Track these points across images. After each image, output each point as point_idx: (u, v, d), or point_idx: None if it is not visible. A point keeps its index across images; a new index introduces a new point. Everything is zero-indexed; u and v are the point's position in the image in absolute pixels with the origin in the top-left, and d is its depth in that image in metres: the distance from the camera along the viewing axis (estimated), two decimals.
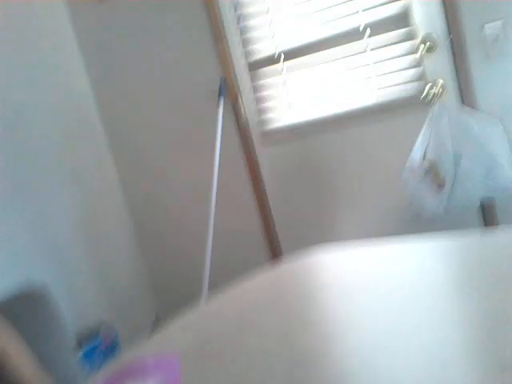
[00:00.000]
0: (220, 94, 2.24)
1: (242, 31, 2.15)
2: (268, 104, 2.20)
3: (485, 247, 1.04)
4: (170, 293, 2.70)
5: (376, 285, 1.00)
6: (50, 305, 1.17)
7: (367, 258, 1.16)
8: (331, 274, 1.17)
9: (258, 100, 2.21)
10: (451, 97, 1.87)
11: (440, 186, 1.83)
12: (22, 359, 0.97)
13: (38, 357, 0.95)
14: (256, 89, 2.20)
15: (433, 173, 1.84)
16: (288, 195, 2.29)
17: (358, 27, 1.93)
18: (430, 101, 1.88)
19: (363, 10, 1.91)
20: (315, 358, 0.79)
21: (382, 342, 0.79)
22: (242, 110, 2.25)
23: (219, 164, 2.24)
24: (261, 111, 2.22)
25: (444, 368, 0.67)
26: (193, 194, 2.48)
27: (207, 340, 0.96)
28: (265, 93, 2.19)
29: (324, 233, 2.24)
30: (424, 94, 1.89)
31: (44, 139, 2.35)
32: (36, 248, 2.23)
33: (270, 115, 2.21)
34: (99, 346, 2.20)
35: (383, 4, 1.88)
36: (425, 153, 1.86)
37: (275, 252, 2.36)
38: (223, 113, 2.24)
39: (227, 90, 2.24)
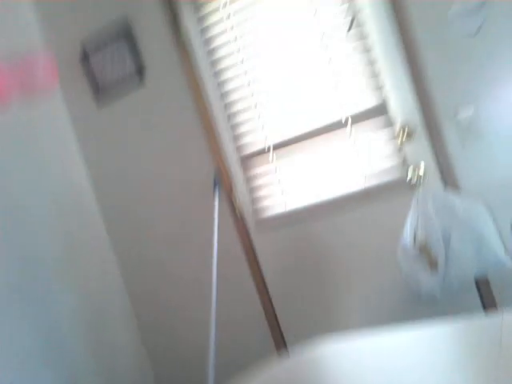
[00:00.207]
0: (215, 187, 2.34)
1: (233, 127, 2.29)
2: (261, 193, 2.29)
3: (482, 331, 1.07)
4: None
5: (377, 380, 1.02)
6: None
7: (369, 351, 1.18)
8: (333, 369, 1.19)
9: (252, 189, 2.31)
10: (434, 179, 1.96)
11: (433, 266, 1.87)
12: None
13: None
14: (249, 179, 2.31)
15: (425, 254, 1.90)
16: (287, 281, 2.32)
17: (341, 119, 2.06)
18: (414, 184, 1.97)
19: (344, 104, 2.05)
20: None
21: None
22: (237, 199, 2.34)
23: (217, 253, 2.30)
24: (255, 200, 2.31)
25: None
26: (193, 285, 2.51)
27: None
28: (257, 182, 2.29)
29: (325, 316, 2.26)
30: (408, 178, 1.98)
31: (47, 243, 2.41)
32: (40, 352, 2.23)
33: (263, 203, 2.30)
34: None
35: (362, 97, 2.01)
36: (415, 235, 1.93)
37: (278, 338, 2.36)
38: (219, 203, 2.32)
39: (221, 182, 2.34)
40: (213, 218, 2.31)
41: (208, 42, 2.26)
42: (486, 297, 1.95)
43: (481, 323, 1.14)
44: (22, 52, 2.39)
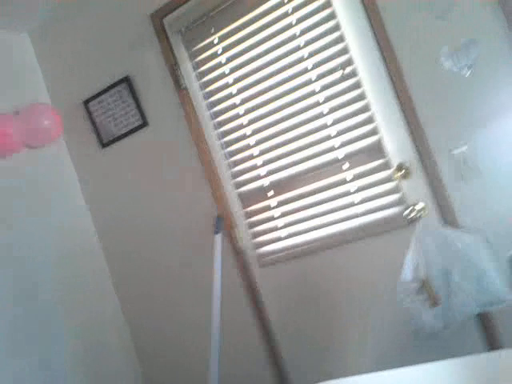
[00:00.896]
0: (217, 225, 2.37)
1: (232, 165, 2.35)
2: (261, 228, 2.32)
3: (481, 369, 1.07)
4: None
5: None
6: None
7: None
8: None
9: (251, 225, 2.34)
10: (433, 217, 1.98)
11: (435, 302, 1.87)
12: None
13: None
14: (248, 215, 2.34)
15: (426, 290, 1.89)
16: (288, 315, 2.32)
17: (338, 160, 2.10)
18: (413, 220, 1.99)
19: (339, 146, 2.10)
20: None
21: None
22: (238, 236, 2.37)
23: (219, 291, 2.30)
24: (255, 236, 2.34)
25: None
26: (194, 324, 2.51)
27: None
28: (257, 218, 2.32)
29: (326, 351, 2.23)
30: (406, 214, 2.00)
31: (49, 281, 2.44)
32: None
33: (263, 239, 2.32)
34: None
35: (358, 139, 2.07)
36: (415, 271, 1.93)
37: (281, 374, 2.34)
38: (221, 241, 2.35)
39: (223, 219, 2.38)
40: (214, 256, 2.33)
41: (205, 84, 2.35)
42: (488, 332, 1.93)
43: (480, 361, 1.14)
44: (28, 104, 2.50)
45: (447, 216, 1.96)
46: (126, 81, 2.52)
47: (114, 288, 2.74)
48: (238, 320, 2.41)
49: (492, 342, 1.94)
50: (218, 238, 2.35)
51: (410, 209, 2.00)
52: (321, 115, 2.11)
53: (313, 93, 2.11)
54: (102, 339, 2.60)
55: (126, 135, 2.58)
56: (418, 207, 2.00)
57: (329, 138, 2.11)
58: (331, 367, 2.23)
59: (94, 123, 2.65)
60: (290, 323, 2.32)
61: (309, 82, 2.12)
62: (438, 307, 1.86)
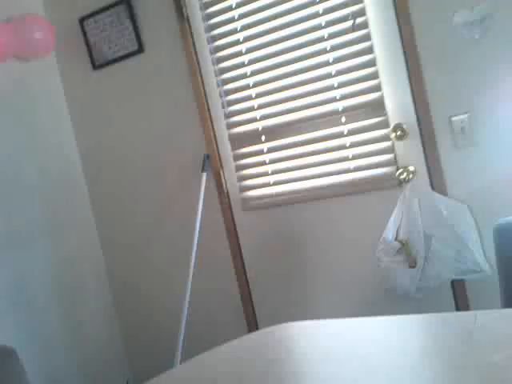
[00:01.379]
0: (204, 164, 2.33)
1: (226, 105, 2.28)
2: (249, 172, 2.29)
3: (448, 327, 1.09)
4: (142, 359, 2.66)
5: (339, 359, 1.03)
6: (16, 364, 1.16)
7: (334, 332, 1.20)
8: (298, 344, 1.20)
9: (240, 169, 2.30)
10: (423, 179, 1.98)
11: (412, 263, 1.89)
12: None
13: None
14: (238, 158, 2.30)
15: (405, 252, 1.91)
16: (264, 260, 2.33)
17: (336, 111, 2.06)
18: (403, 181, 1.98)
19: (341, 97, 2.05)
20: None
21: None
22: (225, 177, 2.34)
23: (200, 228, 2.30)
24: (242, 179, 2.31)
25: None
26: (172, 258, 2.51)
27: None
28: (246, 162, 2.29)
29: (300, 300, 2.27)
30: (396, 177, 1.99)
31: (26, 199, 2.40)
32: (10, 309, 2.21)
33: (250, 183, 2.29)
34: None
35: (359, 94, 2.02)
36: (397, 232, 1.94)
37: (250, 319, 2.38)
38: (207, 180, 2.33)
39: (211, 159, 2.34)
40: (199, 193, 2.31)
41: (209, 16, 2.25)
42: (460, 299, 1.98)
43: (455, 318, 1.16)
44: (21, 15, 2.37)
45: (437, 182, 1.96)
46: (126, 2, 2.39)
47: (94, 219, 2.71)
48: (216, 261, 2.41)
49: (462, 310, 1.98)
50: (204, 176, 2.32)
51: (401, 170, 1.99)
52: (326, 64, 2.05)
53: (321, 39, 2.04)
54: (78, 271, 2.58)
55: (119, 59, 2.48)
56: (409, 170, 1.98)
57: (330, 88, 2.06)
58: (300, 316, 2.26)
59: (87, 43, 2.53)
60: (266, 269, 2.33)
61: (318, 28, 2.04)
62: (414, 270, 1.88)
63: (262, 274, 2.34)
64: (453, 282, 1.98)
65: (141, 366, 2.68)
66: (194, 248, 2.28)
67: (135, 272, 2.64)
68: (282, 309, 2.31)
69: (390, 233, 1.93)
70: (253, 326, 2.38)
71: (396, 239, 1.92)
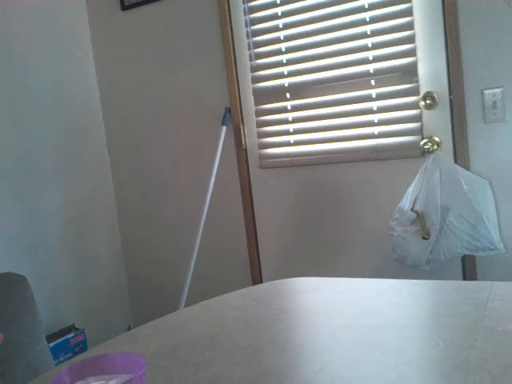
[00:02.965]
0: (224, 121, 2.30)
1: (254, 57, 2.23)
2: (271, 130, 2.26)
3: (458, 295, 1.07)
4: (146, 304, 2.70)
5: (348, 313, 1.03)
6: (26, 291, 1.18)
7: (343, 289, 1.19)
8: (305, 298, 1.20)
9: (260, 124, 2.27)
10: (445, 153, 1.94)
11: (425, 235, 1.87)
12: None
13: (9, 339, 0.96)
14: (259, 114, 2.27)
15: (419, 223, 1.89)
16: (277, 221, 2.33)
17: (367, 74, 2.01)
18: (426, 153, 1.94)
19: (373, 60, 2.00)
20: (279, 377, 0.81)
21: (344, 369, 0.81)
22: (244, 134, 2.31)
23: (215, 183, 2.30)
24: (261, 135, 2.28)
25: None
26: (186, 208, 2.51)
27: (176, 345, 0.97)
28: (268, 120, 2.25)
29: (308, 265, 2.27)
30: (421, 146, 1.95)
31: (44, 137, 2.40)
32: (20, 241, 2.24)
33: (269, 140, 2.27)
34: (68, 344, 2.20)
35: (392, 57, 1.96)
36: (414, 203, 1.91)
37: (257, 277, 2.38)
38: (225, 135, 2.30)
39: (231, 115, 2.30)
40: (217, 147, 2.29)
41: None
42: (469, 275, 1.96)
43: (470, 286, 1.14)
44: None
45: (460, 155, 1.92)
46: None
47: (110, 165, 2.70)
48: (228, 217, 2.41)
49: None
50: (223, 130, 2.30)
51: (426, 140, 1.95)
52: (362, 22, 1.99)
53: None
54: (91, 214, 2.60)
55: (149, 1, 2.42)
56: (434, 140, 1.94)
57: (364, 48, 2.00)
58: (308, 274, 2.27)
59: None
60: (277, 230, 2.33)
61: None
62: (427, 242, 1.87)
63: (273, 234, 2.34)
64: (463, 257, 1.97)
65: (143, 315, 2.72)
66: (207, 202, 2.28)
67: (145, 222, 2.65)
68: (290, 271, 2.31)
69: (406, 202, 1.91)
70: (258, 278, 2.39)
71: (412, 209, 1.90)
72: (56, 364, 1.87)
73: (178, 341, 1.00)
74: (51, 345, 2.11)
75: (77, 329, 2.33)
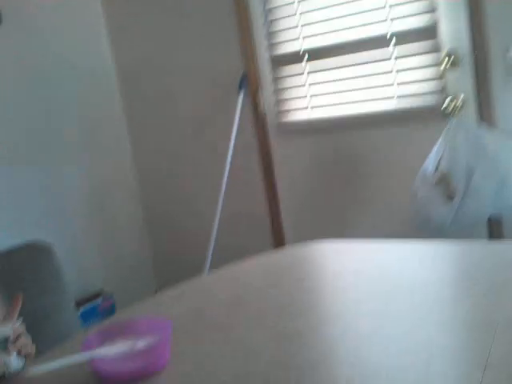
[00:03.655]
0: (241, 86, 2.27)
1: (269, 23, 2.19)
2: (288, 96, 2.22)
3: (486, 255, 1.06)
4: (170, 269, 2.73)
5: (372, 276, 1.02)
6: (53, 260, 1.20)
7: (367, 252, 1.18)
8: (329, 262, 1.20)
9: (278, 92, 2.24)
10: (470, 112, 1.89)
11: (450, 197, 1.83)
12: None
13: (38, 307, 0.98)
14: (277, 81, 2.23)
15: (444, 184, 1.85)
16: (296, 187, 2.31)
17: (386, 34, 1.95)
18: (449, 114, 1.89)
19: (392, 19, 1.93)
20: (304, 337, 0.81)
21: (369, 330, 0.80)
22: (261, 100, 2.28)
23: (233, 150, 2.28)
24: (280, 103, 2.25)
25: (428, 364, 0.68)
26: (205, 176, 2.51)
27: (200, 309, 0.98)
28: (286, 85, 2.21)
29: (329, 229, 2.26)
30: (443, 107, 1.90)
31: (65, 108, 2.41)
32: (45, 209, 2.29)
33: (288, 107, 2.23)
34: (96, 310, 2.26)
35: (412, 15, 1.90)
36: (438, 163, 1.87)
37: (279, 242, 2.38)
38: (243, 101, 2.27)
39: (248, 80, 2.27)
40: (234, 114, 2.26)
41: None
42: (495, 237, 1.93)
43: (497, 246, 1.13)
44: None
45: (485, 115, 1.87)
46: None
47: (130, 142, 2.70)
48: (247, 185, 2.40)
49: None
50: (241, 96, 2.27)
51: (448, 101, 1.89)
52: None
53: None
54: (113, 189, 2.62)
55: None
56: (457, 100, 1.89)
57: (382, 7, 1.93)
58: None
59: None
60: (298, 195, 2.32)
61: None
62: (453, 203, 1.83)
63: (294, 199, 2.33)
64: (489, 219, 1.93)
65: (168, 282, 2.75)
66: (226, 169, 2.27)
67: (166, 190, 2.66)
68: (312, 235, 2.30)
69: (430, 164, 1.87)
70: (281, 245, 2.39)
71: (436, 171, 1.86)
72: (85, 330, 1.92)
73: (202, 304, 1.01)
74: (80, 310, 2.17)
75: (105, 294, 2.38)
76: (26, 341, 0.83)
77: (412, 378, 0.66)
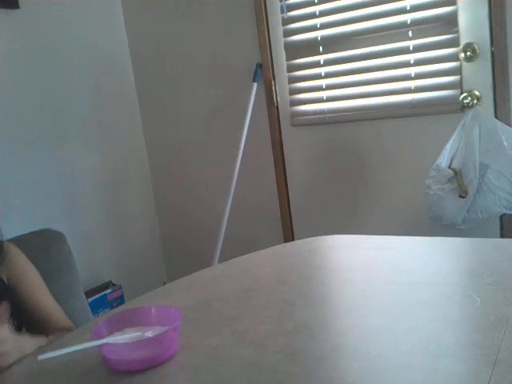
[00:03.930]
0: (255, 77, 2.26)
1: (285, 9, 2.16)
2: (303, 85, 2.20)
3: (498, 252, 1.05)
4: (180, 261, 2.75)
5: (382, 270, 1.02)
6: (64, 247, 1.21)
7: (377, 247, 1.18)
8: (338, 256, 1.19)
9: (292, 80, 2.22)
10: (485, 108, 1.86)
11: (462, 193, 1.82)
12: (36, 289, 1.01)
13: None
14: (291, 69, 2.21)
15: (457, 181, 1.83)
16: (308, 179, 2.31)
17: (404, 25, 1.92)
18: (464, 109, 1.87)
19: (410, 10, 1.90)
20: (312, 330, 0.81)
21: (378, 325, 0.80)
22: (275, 88, 2.27)
23: (246, 141, 2.27)
24: (293, 91, 2.23)
25: (436, 360, 0.68)
26: (216, 167, 2.52)
27: (208, 301, 0.98)
28: (301, 73, 2.20)
29: (338, 222, 2.25)
30: (459, 102, 1.87)
31: (81, 99, 2.41)
32: (58, 197, 2.31)
33: (301, 96, 2.22)
34: (105, 300, 2.28)
35: (431, 7, 1.87)
36: (451, 160, 1.86)
37: (287, 232, 2.38)
38: (256, 91, 2.26)
39: (263, 68, 2.26)
40: (248, 104, 2.25)
41: None
42: (507, 235, 1.91)
43: (508, 244, 1.11)
44: None
45: (501, 110, 1.84)
46: None
47: (143, 131, 2.70)
48: (259, 174, 2.40)
49: None
50: (255, 86, 2.26)
51: (465, 94, 1.87)
52: None
53: None
54: (125, 179, 2.63)
55: None
56: (474, 94, 1.86)
57: None
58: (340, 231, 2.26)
59: None
60: (309, 187, 2.31)
61: None
62: (464, 200, 1.81)
63: (305, 192, 2.32)
64: (501, 216, 1.91)
65: (178, 273, 2.77)
66: (238, 160, 2.26)
67: (178, 182, 2.66)
68: (323, 230, 2.30)
69: (443, 160, 1.85)
70: (290, 235, 2.39)
71: (449, 167, 1.85)
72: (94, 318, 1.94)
73: (211, 295, 1.01)
74: (89, 300, 2.19)
75: (114, 285, 2.40)
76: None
77: (420, 374, 0.66)
